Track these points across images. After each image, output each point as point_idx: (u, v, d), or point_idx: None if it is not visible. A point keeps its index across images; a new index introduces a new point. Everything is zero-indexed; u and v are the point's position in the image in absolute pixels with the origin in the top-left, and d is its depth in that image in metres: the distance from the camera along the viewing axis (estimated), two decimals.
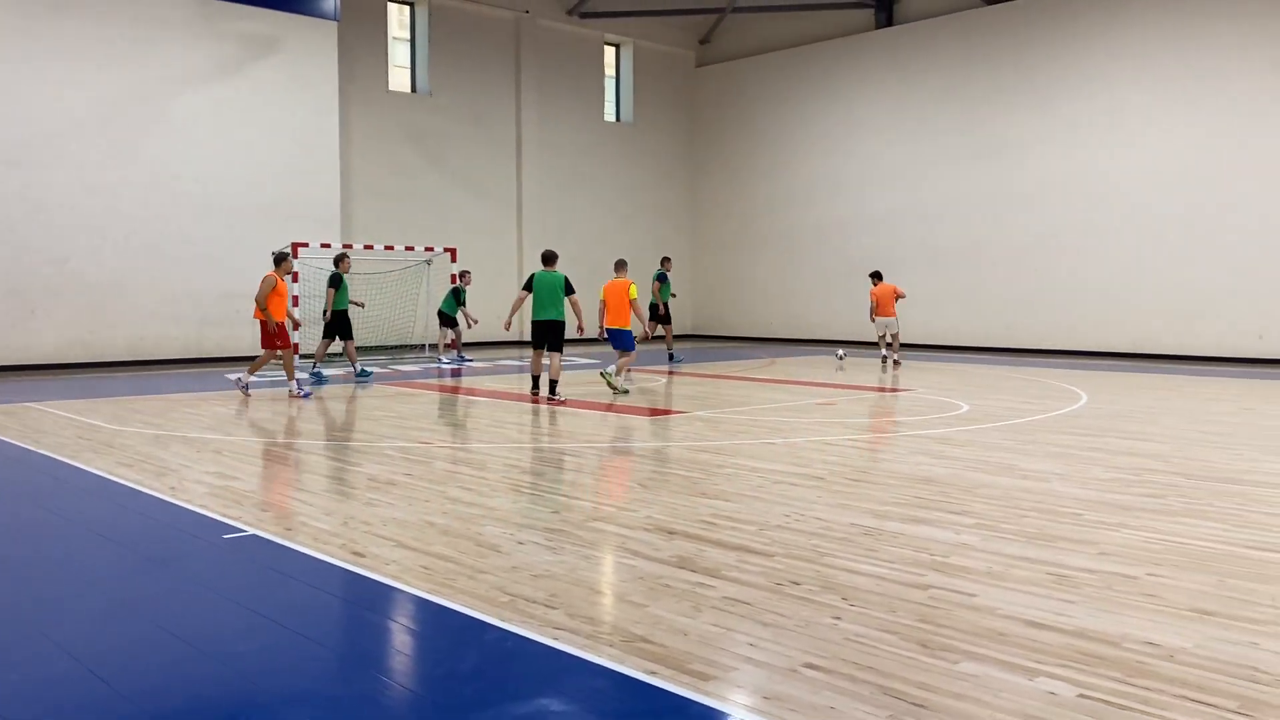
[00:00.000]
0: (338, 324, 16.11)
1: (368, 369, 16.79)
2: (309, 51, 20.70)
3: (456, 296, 18.90)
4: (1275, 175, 18.80)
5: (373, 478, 7.93)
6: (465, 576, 5.12)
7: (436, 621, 4.61)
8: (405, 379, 16.47)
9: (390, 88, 23.41)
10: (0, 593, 5.03)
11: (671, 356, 19.82)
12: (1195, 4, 19.73)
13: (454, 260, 21.27)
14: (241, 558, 5.65)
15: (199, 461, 8.55)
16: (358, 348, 16.98)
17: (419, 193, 23.56)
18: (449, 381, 16.28)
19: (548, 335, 13.05)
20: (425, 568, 5.31)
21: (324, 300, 16.45)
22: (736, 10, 26.58)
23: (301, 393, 13.62)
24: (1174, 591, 4.82)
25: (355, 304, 16.59)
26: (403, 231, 22.70)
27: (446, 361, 19.18)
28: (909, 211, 24.18)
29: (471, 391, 14.67)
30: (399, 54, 23.99)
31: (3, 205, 17.42)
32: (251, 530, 6.16)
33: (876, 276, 19.28)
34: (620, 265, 14.89)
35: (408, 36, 24.11)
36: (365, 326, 21.21)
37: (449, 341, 19.46)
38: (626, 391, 13.87)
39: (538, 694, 3.71)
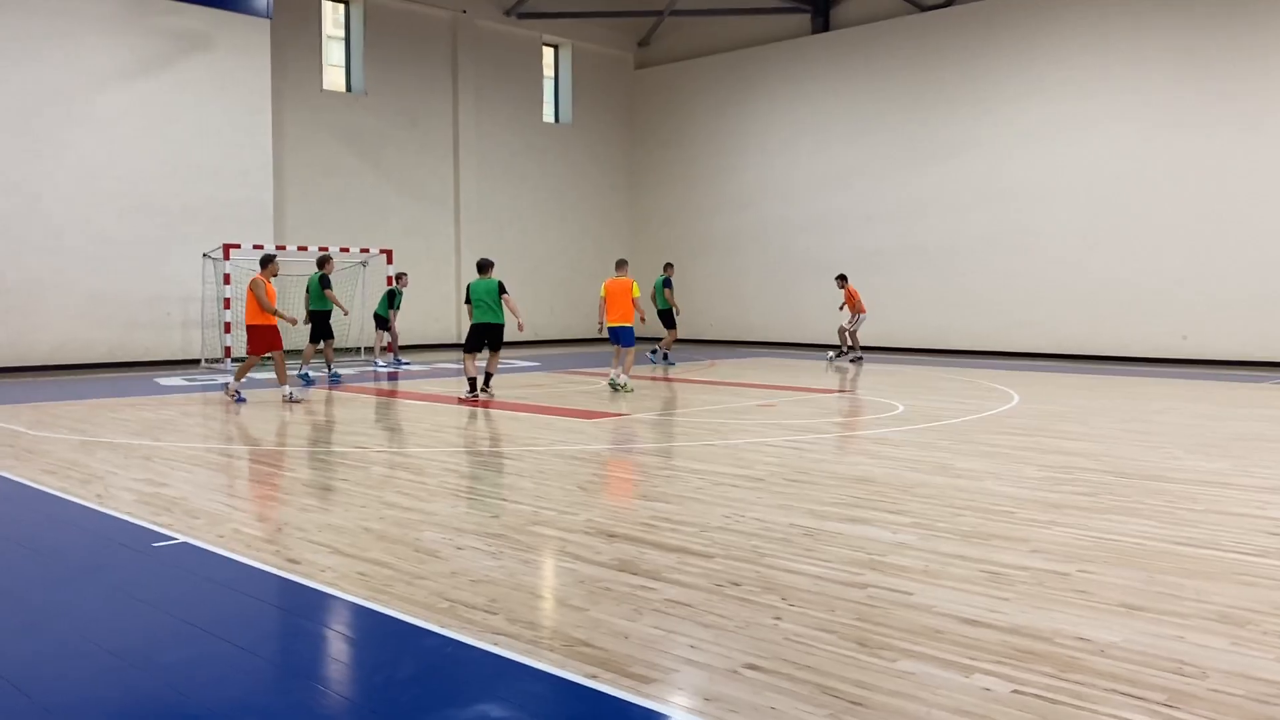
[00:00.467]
0: (322, 326, 16.16)
1: (338, 372, 16.77)
2: (241, 49, 20.30)
3: (391, 299, 18.66)
4: (1200, 181, 19.36)
5: (308, 483, 7.80)
6: (403, 582, 5.06)
7: (374, 629, 4.54)
8: (341, 383, 16.22)
9: (325, 87, 23.07)
10: None
11: (665, 357, 20.01)
12: (1127, 14, 20.25)
13: (390, 262, 21.02)
14: (171, 566, 5.52)
15: (127, 468, 8.34)
16: (291, 351, 16.71)
17: (354, 194, 23.24)
18: (386, 385, 16.08)
19: (487, 336, 13.66)
20: (362, 574, 5.23)
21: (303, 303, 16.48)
22: (675, 13, 26.66)
23: (294, 397, 13.20)
24: (1104, 587, 4.93)
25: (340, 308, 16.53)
26: (337, 233, 22.38)
27: (383, 365, 18.94)
28: (847, 215, 24.46)
29: (409, 395, 14.51)
30: (333, 53, 23.65)
31: None
32: (182, 538, 6.01)
33: (843, 279, 20.14)
34: (621, 264, 15.66)
35: (342, 35, 23.78)
36: (301, 330, 20.86)
37: (385, 345, 19.22)
38: (632, 390, 14.43)
39: (478, 700, 3.67)
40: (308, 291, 16.28)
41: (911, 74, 23.35)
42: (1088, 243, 20.70)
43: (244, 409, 12.64)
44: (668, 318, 20.11)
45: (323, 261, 16.23)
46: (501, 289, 13.81)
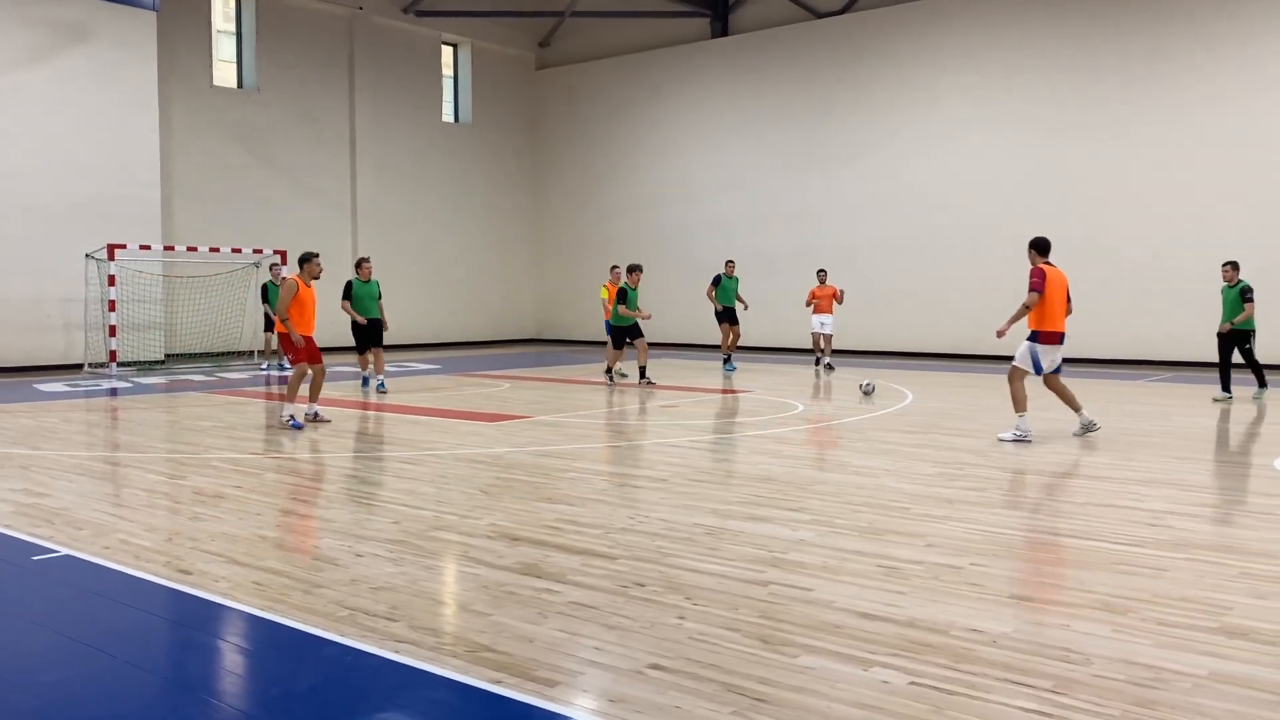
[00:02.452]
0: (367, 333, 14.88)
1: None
2: (125, 42, 19.52)
3: (265, 294, 17.92)
4: (1078, 185, 20.18)
5: (199, 491, 7.56)
6: (301, 591, 4.94)
7: (270, 639, 4.42)
8: (233, 387, 15.77)
9: (215, 83, 22.37)
10: None
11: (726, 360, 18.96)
12: (1015, 25, 20.97)
13: (284, 263, 20.51)
14: (53, 580, 5.28)
15: (3, 478, 7.95)
16: (188, 355, 16.14)
17: (247, 192, 22.59)
18: (279, 389, 15.68)
19: (374, 333, 14.47)
20: (258, 583, 5.09)
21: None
22: (575, 14, 26.63)
23: (294, 422, 10.86)
24: (994, 579, 5.10)
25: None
26: (229, 233, 21.73)
27: (266, 368, 18.42)
28: (744, 217, 24.77)
29: (302, 399, 14.16)
30: (224, 48, 22.96)
31: None
32: (65, 550, 5.76)
33: (823, 274, 19.31)
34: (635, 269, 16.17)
35: (234, 29, 23.10)
36: (190, 333, 20.23)
37: (275, 347, 18.72)
38: (625, 375, 15.92)
39: (379, 709, 3.61)
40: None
41: (807, 79, 23.78)
42: (975, 245, 21.37)
43: (134, 418, 12.16)
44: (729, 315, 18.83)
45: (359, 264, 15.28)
46: (379, 291, 14.59)
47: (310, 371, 11.20)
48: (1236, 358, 13.53)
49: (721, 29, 25.51)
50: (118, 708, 3.66)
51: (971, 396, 14.05)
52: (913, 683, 3.75)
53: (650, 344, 18.49)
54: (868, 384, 13.98)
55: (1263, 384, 13.68)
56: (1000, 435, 9.97)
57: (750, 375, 17.59)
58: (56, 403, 13.58)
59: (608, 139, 27.60)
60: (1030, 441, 9.70)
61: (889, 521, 6.45)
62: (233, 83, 22.96)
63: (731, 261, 19.13)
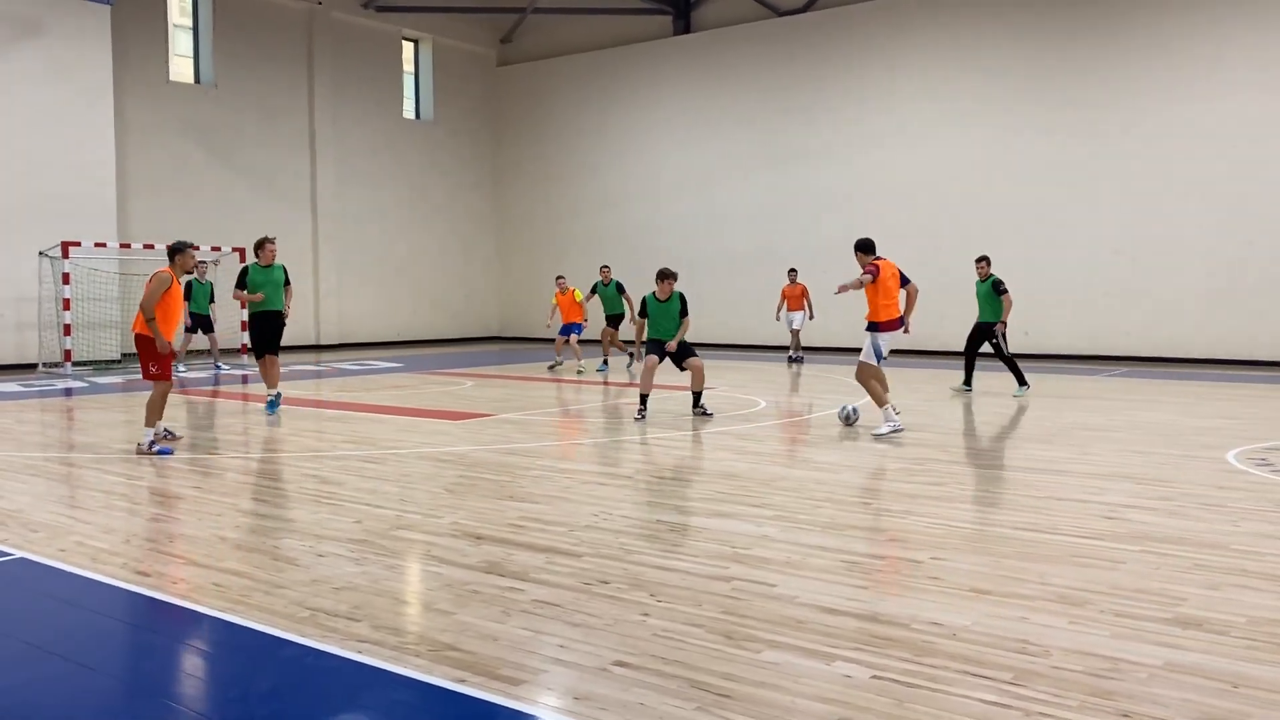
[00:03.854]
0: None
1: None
2: (78, 36, 19.19)
3: (188, 292, 17.47)
4: (1040, 183, 20.44)
5: (157, 491, 7.45)
6: (261, 592, 4.89)
7: (230, 641, 4.38)
8: (190, 386, 15.56)
9: (171, 78, 22.06)
10: None
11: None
12: (976, 23, 21.19)
13: (243, 260, 20.27)
14: (7, 583, 5.19)
15: None
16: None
17: (204, 189, 22.30)
18: (237, 389, 15.50)
19: (274, 331, 11.96)
20: (217, 585, 5.03)
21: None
22: (537, 11, 26.55)
23: (156, 448, 9.17)
24: (954, 573, 5.16)
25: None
26: (187, 230, 21.30)
27: (219, 368, 18.17)
28: (705, 215, 24.83)
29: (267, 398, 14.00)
30: (181, 42, 22.64)
31: None
32: (18, 553, 5.66)
33: (793, 274, 20.03)
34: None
35: (190, 24, 22.78)
36: None
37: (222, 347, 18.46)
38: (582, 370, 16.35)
39: (341, 710, 3.59)
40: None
41: (769, 77, 23.88)
42: (935, 243, 21.58)
43: (90, 418, 11.96)
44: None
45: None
46: (287, 277, 12.02)
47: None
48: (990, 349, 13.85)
49: (684, 26, 25.55)
50: (76, 713, 3.60)
51: (931, 392, 14.18)
52: (875, 676, 3.79)
53: (608, 342, 18.56)
54: (849, 411, 10.92)
55: (1022, 382, 13.70)
56: (875, 431, 9.92)
57: (715, 372, 17.63)
58: (10, 403, 13.34)
59: (569, 136, 27.55)
60: (903, 430, 9.97)
61: (851, 517, 6.50)
62: (190, 78, 22.65)
63: (606, 267, 19.42)
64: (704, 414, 11.35)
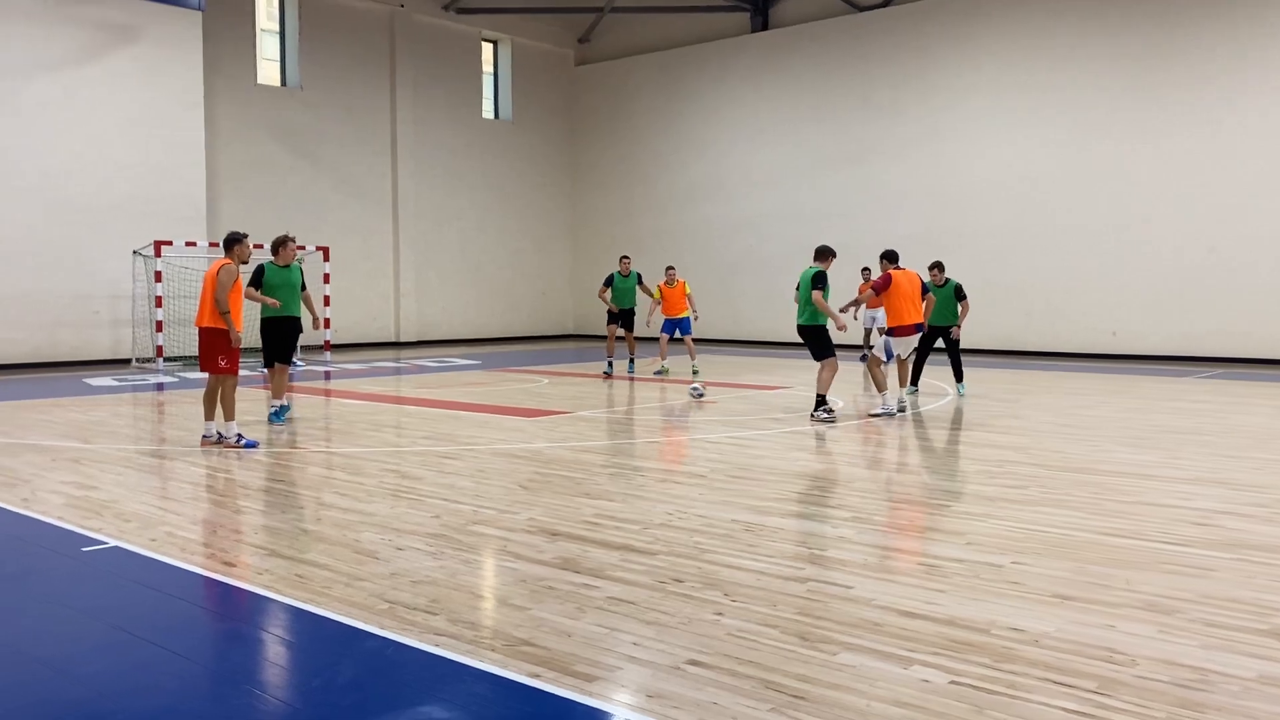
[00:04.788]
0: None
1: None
2: (171, 41, 19.83)
3: None
4: (1131, 180, 19.87)
5: (244, 484, 7.66)
6: (342, 584, 4.99)
7: (312, 632, 4.48)
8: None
9: (259, 81, 22.65)
10: None
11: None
12: (1062, 15, 20.69)
13: (326, 260, 20.74)
14: (102, 571, 5.38)
15: (54, 471, 8.11)
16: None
17: (290, 190, 22.86)
18: (318, 384, 15.85)
19: (289, 337, 11.16)
20: (300, 576, 5.15)
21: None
22: (615, 10, 26.64)
23: (243, 441, 9.34)
24: (1036, 578, 5.04)
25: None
26: (272, 230, 21.86)
27: (300, 364, 18.48)
28: (783, 213, 24.66)
29: (349, 394, 14.31)
30: (268, 46, 23.23)
31: None
32: (113, 542, 5.87)
33: (867, 272, 18.57)
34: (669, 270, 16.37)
35: (277, 28, 23.36)
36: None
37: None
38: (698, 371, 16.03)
39: (418, 702, 3.64)
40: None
41: (848, 73, 23.62)
42: (1017, 240, 21.12)
43: (180, 412, 12.33)
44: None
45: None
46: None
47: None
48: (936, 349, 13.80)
49: (761, 23, 25.41)
50: (163, 698, 3.72)
51: (1013, 393, 13.89)
52: (953, 682, 3.72)
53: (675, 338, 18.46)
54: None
55: (960, 379, 13.66)
56: (870, 412, 11.39)
57: (791, 371, 17.51)
58: (105, 397, 13.84)
59: (646, 134, 27.60)
60: (894, 415, 11.16)
61: (929, 519, 6.40)
62: (276, 81, 23.23)
63: (626, 258, 17.43)
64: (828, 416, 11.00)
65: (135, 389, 15.01)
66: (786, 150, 24.72)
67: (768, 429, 10.53)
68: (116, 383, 15.80)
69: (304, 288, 11.11)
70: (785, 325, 23.98)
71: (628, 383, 15.51)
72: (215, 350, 9.25)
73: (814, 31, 24.23)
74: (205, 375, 9.49)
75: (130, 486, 7.57)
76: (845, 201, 23.64)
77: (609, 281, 16.62)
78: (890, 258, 12.31)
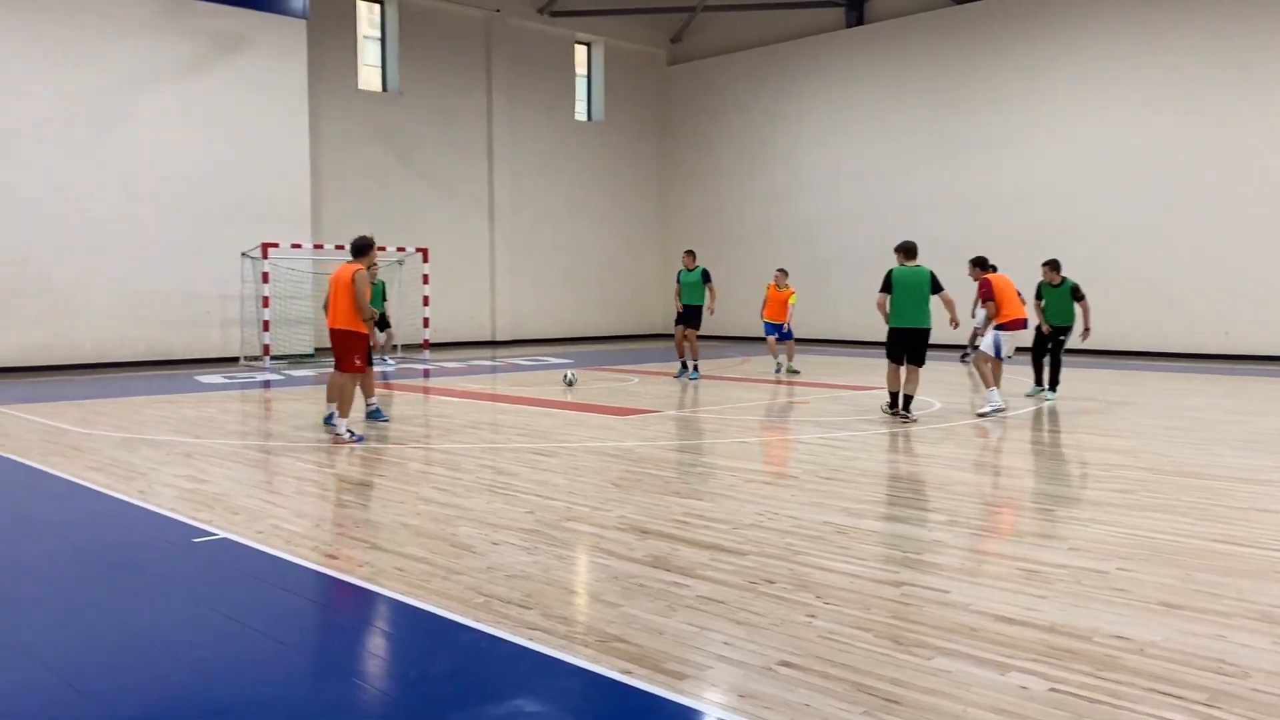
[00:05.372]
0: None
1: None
2: (278, 49, 20.50)
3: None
4: (1240, 175, 19.06)
5: (345, 479, 7.88)
6: (439, 578, 5.10)
7: (410, 623, 4.58)
8: (377, 380, 16.33)
9: (360, 86, 23.25)
10: None
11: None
12: (1168, 5, 19.96)
13: (425, 261, 21.16)
14: (212, 561, 5.60)
15: (168, 464, 8.46)
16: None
17: (389, 192, 23.42)
18: (418, 382, 16.18)
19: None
20: (399, 569, 5.28)
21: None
22: (707, 9, 26.61)
23: (356, 436, 9.73)
24: (1143, 586, 4.88)
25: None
26: (373, 231, 22.49)
27: (391, 363, 18.76)
28: (878, 210, 24.29)
29: (447, 391, 14.59)
30: (369, 53, 23.83)
31: None
32: (222, 533, 6.10)
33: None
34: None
35: (378, 35, 23.95)
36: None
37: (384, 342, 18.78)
38: (797, 371, 16.12)
39: (513, 695, 3.70)
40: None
41: (945, 67, 23.16)
42: (1124, 238, 20.44)
43: (285, 409, 12.72)
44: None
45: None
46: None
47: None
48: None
49: (856, 18, 25.09)
50: (268, 685, 3.85)
51: (1120, 394, 13.44)
52: (1053, 689, 3.63)
53: (778, 340, 18.27)
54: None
55: (1055, 385, 13.06)
56: (979, 410, 11.23)
57: (884, 372, 17.24)
58: (214, 394, 14.37)
59: (737, 132, 27.49)
60: (1004, 409, 11.16)
61: (1030, 523, 6.24)
62: (377, 86, 23.81)
63: (690, 252, 16.46)
64: (907, 418, 10.78)
65: (243, 386, 15.54)
66: (881, 146, 24.36)
67: (861, 430, 10.39)
68: (225, 380, 16.38)
69: (385, 298, 10.96)
70: (883, 324, 23.67)
71: (718, 383, 15.47)
72: (352, 350, 9.71)
73: (910, 26, 23.83)
74: (320, 373, 9.82)
75: (239, 480, 7.85)
76: (941, 197, 23.18)
77: (678, 278, 16.21)
78: (980, 264, 12.47)
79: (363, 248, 9.92)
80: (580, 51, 27.95)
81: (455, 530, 6.09)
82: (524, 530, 6.07)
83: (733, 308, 27.39)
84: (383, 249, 20.74)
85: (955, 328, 11.62)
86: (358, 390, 10.28)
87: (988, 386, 11.52)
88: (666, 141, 29.40)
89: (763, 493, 7.16)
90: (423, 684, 3.88)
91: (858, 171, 24.80)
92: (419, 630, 4.49)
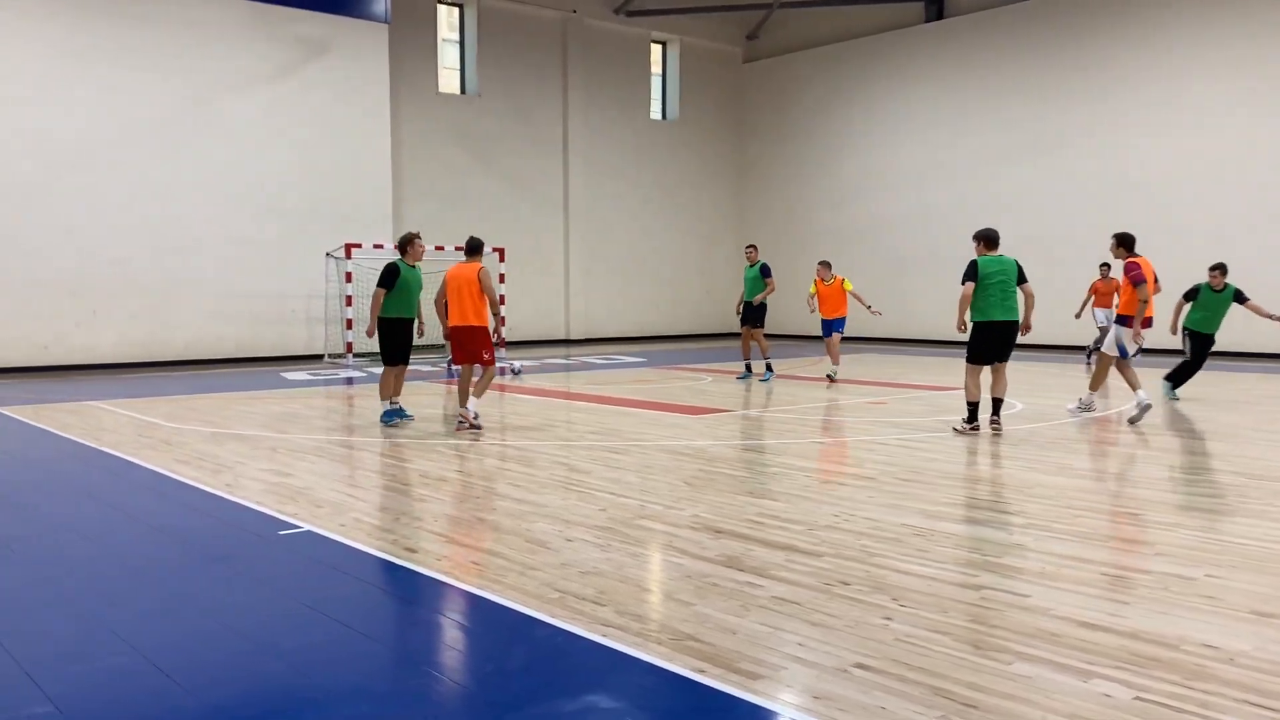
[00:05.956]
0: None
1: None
2: (360, 54, 20.95)
3: None
4: None
5: (424, 474, 8.01)
6: (515, 573, 5.16)
7: (487, 617, 4.65)
8: (456, 377, 16.59)
9: (440, 89, 23.62)
10: (64, 587, 5.16)
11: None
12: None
13: (502, 260, 21.41)
14: (296, 553, 5.75)
15: (254, 458, 8.70)
16: (416, 346, 15.71)
17: (467, 193, 23.75)
18: (495, 380, 16.38)
19: (408, 340, 10.79)
20: (476, 563, 5.36)
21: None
22: (784, 5, 26.44)
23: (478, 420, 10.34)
24: (1233, 593, 4.73)
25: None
26: (453, 231, 22.84)
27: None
28: (957, 206, 23.88)
29: (522, 390, 14.75)
30: (448, 55, 24.18)
31: (65, 208, 17.84)
32: (306, 526, 6.26)
33: (1106, 268, 17.47)
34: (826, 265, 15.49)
35: (457, 38, 24.29)
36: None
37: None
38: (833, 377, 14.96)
39: (587, 690, 3.73)
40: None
41: (1028, 61, 22.68)
42: (1216, 234, 19.77)
43: (368, 405, 12.97)
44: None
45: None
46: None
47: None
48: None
49: (936, 12, 24.70)
50: (350, 675, 3.95)
51: (1211, 396, 13.02)
52: (1138, 698, 3.54)
53: (861, 338, 18.09)
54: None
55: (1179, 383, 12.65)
56: (1129, 416, 10.33)
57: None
58: (300, 390, 14.73)
59: (815, 130, 27.27)
60: (1149, 408, 10.31)
61: (1114, 528, 6.09)
62: (456, 89, 24.15)
63: (751, 247, 16.01)
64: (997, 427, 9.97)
65: (327, 383, 15.91)
66: (962, 141, 23.94)
67: (941, 431, 10.24)
68: (310, 377, 16.79)
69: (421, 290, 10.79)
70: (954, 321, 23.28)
71: (791, 382, 15.36)
72: (480, 345, 10.21)
73: (991, 19, 23.38)
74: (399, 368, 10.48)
75: (322, 474, 8.04)
76: (1023, 193, 22.71)
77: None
78: (1127, 243, 10.68)
79: (478, 246, 10.43)
80: (655, 50, 27.99)
81: (530, 526, 6.16)
82: (597, 527, 6.11)
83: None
84: (460, 248, 21.23)
85: (963, 330, 10.04)
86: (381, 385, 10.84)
87: (1134, 389, 10.37)
88: (741, 139, 29.29)
89: (838, 494, 7.10)
90: (499, 678, 3.93)
91: (936, 167, 24.42)
92: (495, 624, 4.56)
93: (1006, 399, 10.48)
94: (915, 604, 4.60)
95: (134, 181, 18.51)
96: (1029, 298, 9.90)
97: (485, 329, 10.20)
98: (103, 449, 9.35)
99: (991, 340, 9.81)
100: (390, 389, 10.74)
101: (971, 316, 9.87)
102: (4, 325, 17.39)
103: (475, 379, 10.39)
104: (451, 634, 4.51)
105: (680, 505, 6.74)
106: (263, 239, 19.81)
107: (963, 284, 9.85)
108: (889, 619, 4.40)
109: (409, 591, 5.13)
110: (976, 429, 9.71)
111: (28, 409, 12.36)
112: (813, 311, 15.75)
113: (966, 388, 9.83)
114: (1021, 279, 9.88)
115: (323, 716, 3.58)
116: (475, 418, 10.23)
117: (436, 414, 11.82)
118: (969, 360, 9.93)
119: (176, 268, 18.93)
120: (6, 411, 12.18)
